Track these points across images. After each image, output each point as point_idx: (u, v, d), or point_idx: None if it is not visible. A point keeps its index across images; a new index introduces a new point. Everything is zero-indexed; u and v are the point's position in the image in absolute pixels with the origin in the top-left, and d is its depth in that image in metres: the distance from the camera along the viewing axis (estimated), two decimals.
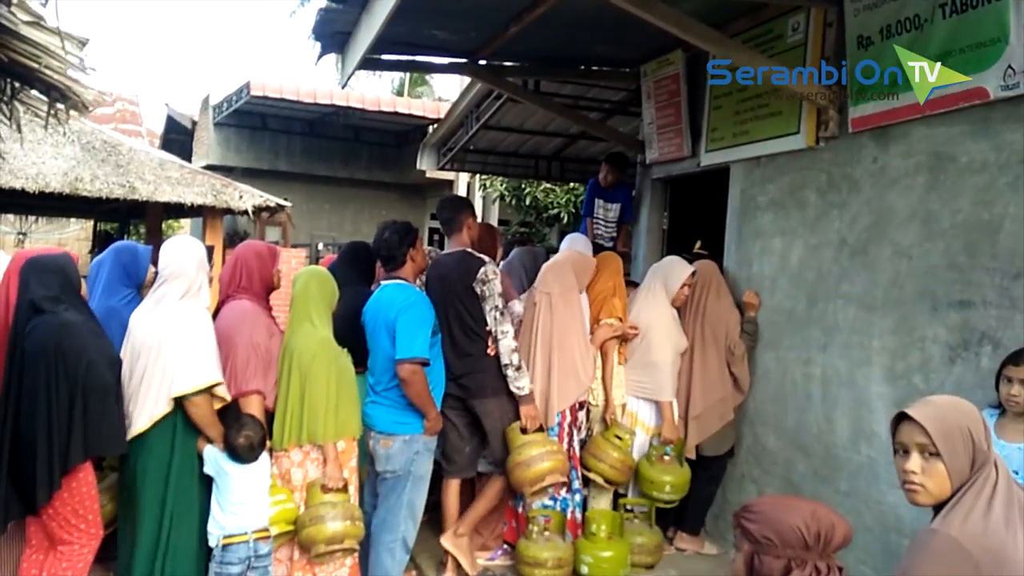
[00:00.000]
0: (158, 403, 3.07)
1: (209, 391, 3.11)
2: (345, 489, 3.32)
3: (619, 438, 4.22)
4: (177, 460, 3.13)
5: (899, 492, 3.39)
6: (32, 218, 16.57)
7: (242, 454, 3.13)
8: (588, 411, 4.41)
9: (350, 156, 13.61)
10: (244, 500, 3.15)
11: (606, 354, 4.37)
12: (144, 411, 3.08)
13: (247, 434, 3.14)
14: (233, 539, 3.10)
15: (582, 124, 6.89)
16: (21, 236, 16.59)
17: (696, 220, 5.61)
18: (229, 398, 3.19)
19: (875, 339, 3.61)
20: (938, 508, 1.74)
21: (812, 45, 3.99)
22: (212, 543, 3.13)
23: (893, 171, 3.58)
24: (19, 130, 2.86)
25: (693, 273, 4.44)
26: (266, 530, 3.17)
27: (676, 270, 4.45)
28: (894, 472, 3.19)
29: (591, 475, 4.22)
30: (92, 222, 16.62)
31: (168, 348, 3.07)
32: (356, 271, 4.08)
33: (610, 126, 7.03)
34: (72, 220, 17.58)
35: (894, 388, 3.49)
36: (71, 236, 17.59)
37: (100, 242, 15.62)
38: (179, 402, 3.09)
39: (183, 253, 3.26)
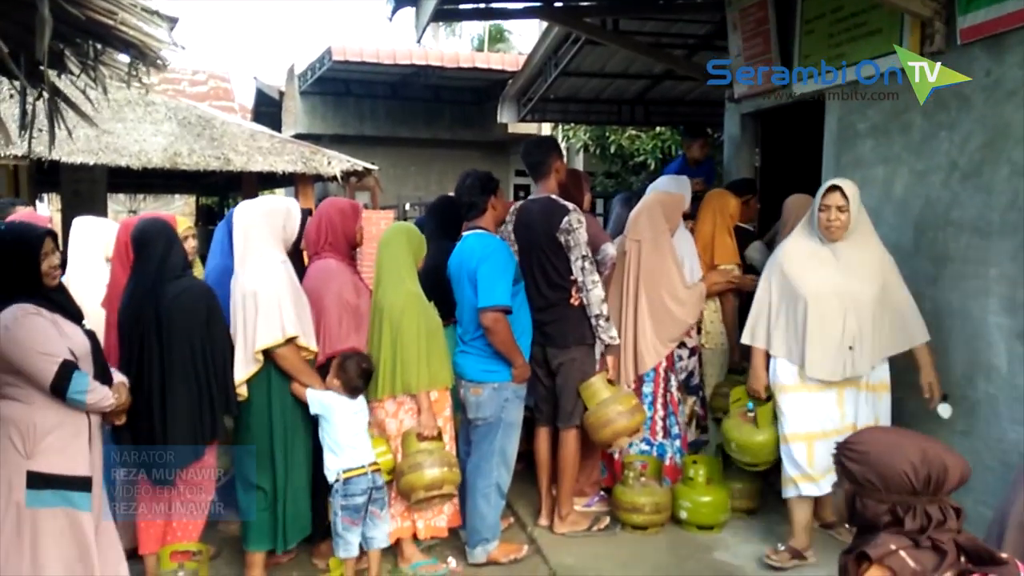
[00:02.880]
0: (249, 361, 3.19)
1: (291, 342, 3.19)
2: (440, 437, 3.39)
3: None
4: (278, 410, 3.27)
5: (1022, 429, 3.17)
6: (140, 196, 17.54)
7: (352, 384, 3.25)
8: (700, 355, 4.33)
9: (432, 116, 13.65)
10: (353, 436, 3.27)
11: (726, 299, 4.33)
12: (237, 369, 3.19)
13: (361, 365, 3.28)
14: (353, 472, 3.23)
15: (666, 63, 6.64)
16: (131, 213, 17.56)
17: (791, 155, 5.34)
18: (314, 348, 3.29)
19: (992, 267, 3.37)
20: None
21: None
22: (332, 479, 3.25)
23: (1010, 83, 3.28)
24: (105, 92, 2.97)
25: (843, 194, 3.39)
26: (376, 464, 3.29)
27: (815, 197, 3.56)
28: (1016, 408, 2.96)
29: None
30: (194, 197, 17.45)
31: (250, 305, 3.18)
32: (442, 225, 4.08)
33: (696, 63, 6.73)
34: (176, 196, 18.52)
35: (1014, 319, 3.25)
36: (176, 211, 18.50)
37: (202, 216, 16.37)
38: (268, 357, 3.20)
39: (251, 213, 3.35)
